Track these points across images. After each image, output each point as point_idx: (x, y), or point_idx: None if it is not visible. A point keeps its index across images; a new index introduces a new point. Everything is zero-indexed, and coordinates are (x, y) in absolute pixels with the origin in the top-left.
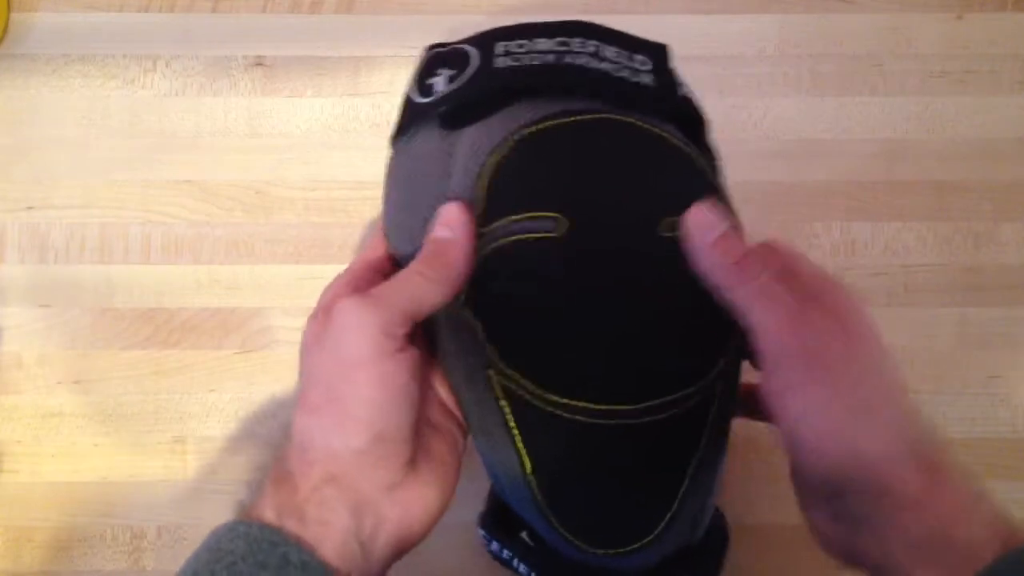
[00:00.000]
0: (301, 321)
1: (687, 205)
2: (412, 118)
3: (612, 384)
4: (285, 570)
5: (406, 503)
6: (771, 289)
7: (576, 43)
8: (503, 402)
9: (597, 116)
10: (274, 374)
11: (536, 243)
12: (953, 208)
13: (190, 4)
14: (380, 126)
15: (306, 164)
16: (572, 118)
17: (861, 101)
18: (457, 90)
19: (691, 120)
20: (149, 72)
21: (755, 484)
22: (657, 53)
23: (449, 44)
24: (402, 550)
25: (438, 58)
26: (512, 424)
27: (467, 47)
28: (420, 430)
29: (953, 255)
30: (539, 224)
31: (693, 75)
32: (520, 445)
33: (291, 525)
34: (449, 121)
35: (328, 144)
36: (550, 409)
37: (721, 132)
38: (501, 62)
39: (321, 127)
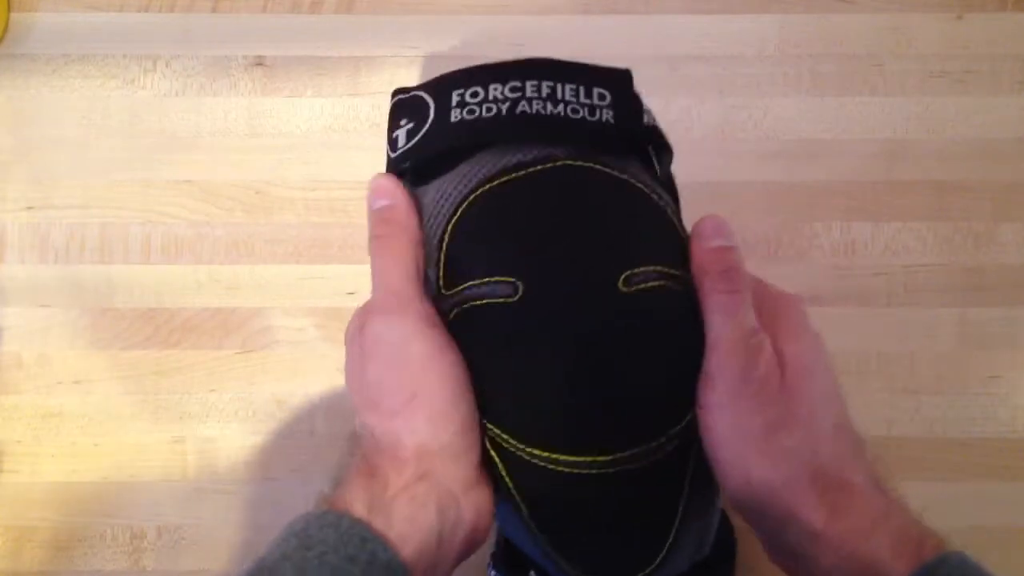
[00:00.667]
0: (301, 321)
1: (648, 256)
2: (391, 170)
3: (585, 438)
4: (372, 567)
5: (478, 504)
6: (732, 305)
7: (530, 87)
8: (492, 452)
9: (554, 165)
10: (274, 374)
11: (494, 308)
12: (953, 208)
13: (190, 4)
14: (380, 126)
15: (306, 164)
16: (527, 170)
17: (861, 101)
18: (414, 146)
19: (657, 148)
20: (149, 72)
21: None
22: (617, 83)
23: (410, 91)
24: (468, 552)
25: (401, 107)
26: (503, 472)
27: (425, 95)
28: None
29: (953, 255)
30: (496, 289)
31: (693, 75)
32: (514, 491)
33: (379, 522)
34: (411, 178)
35: (328, 144)
36: (533, 460)
37: (721, 132)
38: (456, 115)
39: (321, 127)
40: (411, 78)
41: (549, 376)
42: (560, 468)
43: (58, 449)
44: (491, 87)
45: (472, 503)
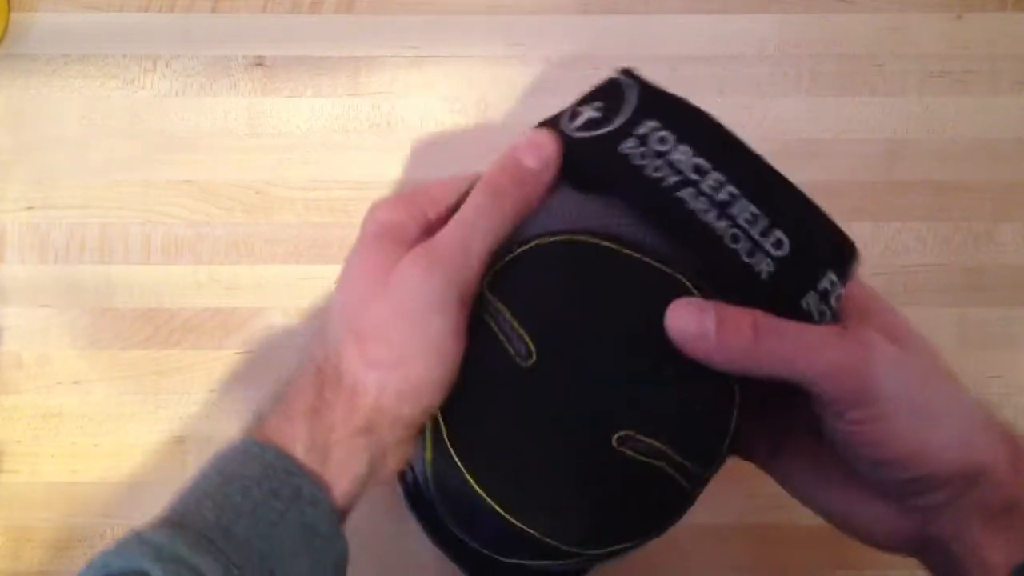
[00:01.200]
0: (302, 322)
1: (657, 422)
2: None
3: (575, 535)
4: (297, 503)
5: (399, 459)
6: (803, 343)
7: (712, 180)
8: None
9: (643, 262)
10: (274, 374)
11: (508, 360)
12: (953, 208)
13: (190, 4)
14: (380, 126)
15: (306, 164)
16: (617, 248)
17: (861, 101)
18: (575, 142)
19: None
20: (149, 72)
21: (751, 483)
22: (808, 238)
23: (630, 78)
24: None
25: (605, 91)
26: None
27: (627, 96)
28: None
29: (953, 255)
30: (515, 342)
31: (693, 75)
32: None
33: (313, 461)
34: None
35: (328, 144)
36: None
37: None
38: (627, 146)
39: (321, 127)
40: (411, 78)
41: (546, 450)
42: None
43: (58, 449)
44: (681, 148)
45: (397, 458)
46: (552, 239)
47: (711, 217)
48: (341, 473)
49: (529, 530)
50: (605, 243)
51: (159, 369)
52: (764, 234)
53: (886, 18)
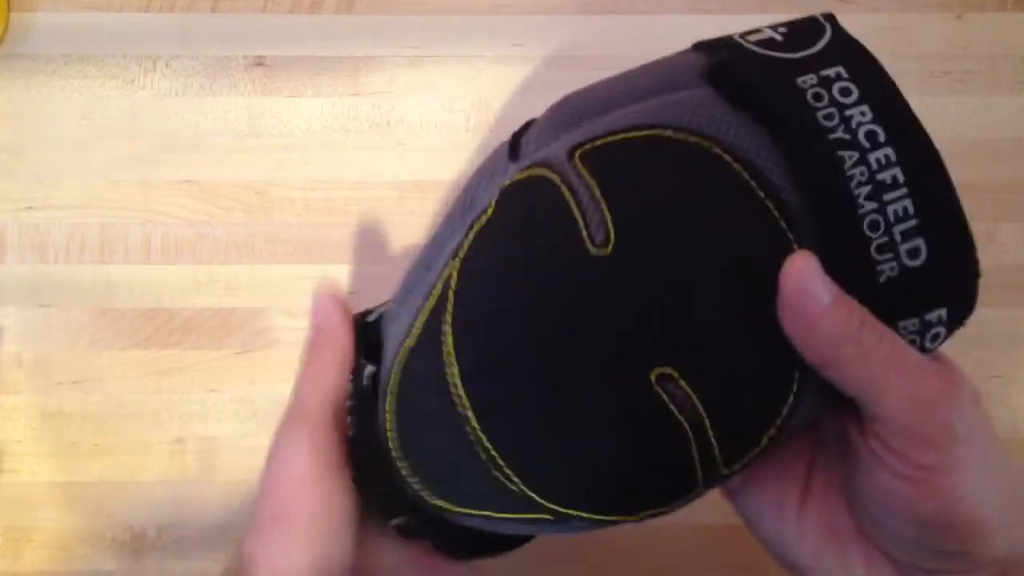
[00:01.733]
0: (301, 321)
1: (703, 362)
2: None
3: (562, 485)
4: None
5: None
6: (894, 357)
7: (882, 154)
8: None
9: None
10: (274, 374)
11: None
12: None
13: (190, 4)
14: (380, 126)
15: (306, 164)
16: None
17: None
18: (746, 52)
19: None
20: (149, 72)
21: None
22: (947, 264)
23: (827, 20)
24: None
25: (795, 23)
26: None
27: (819, 33)
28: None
29: None
30: (594, 225)
31: None
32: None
33: None
34: None
35: (328, 144)
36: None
37: None
38: (808, 84)
39: (321, 127)
40: (411, 78)
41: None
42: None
43: (58, 449)
44: (862, 107)
45: None
46: (674, 134)
47: (862, 192)
48: None
49: (505, 465)
50: (733, 163)
51: (159, 369)
52: (906, 237)
53: (886, 18)
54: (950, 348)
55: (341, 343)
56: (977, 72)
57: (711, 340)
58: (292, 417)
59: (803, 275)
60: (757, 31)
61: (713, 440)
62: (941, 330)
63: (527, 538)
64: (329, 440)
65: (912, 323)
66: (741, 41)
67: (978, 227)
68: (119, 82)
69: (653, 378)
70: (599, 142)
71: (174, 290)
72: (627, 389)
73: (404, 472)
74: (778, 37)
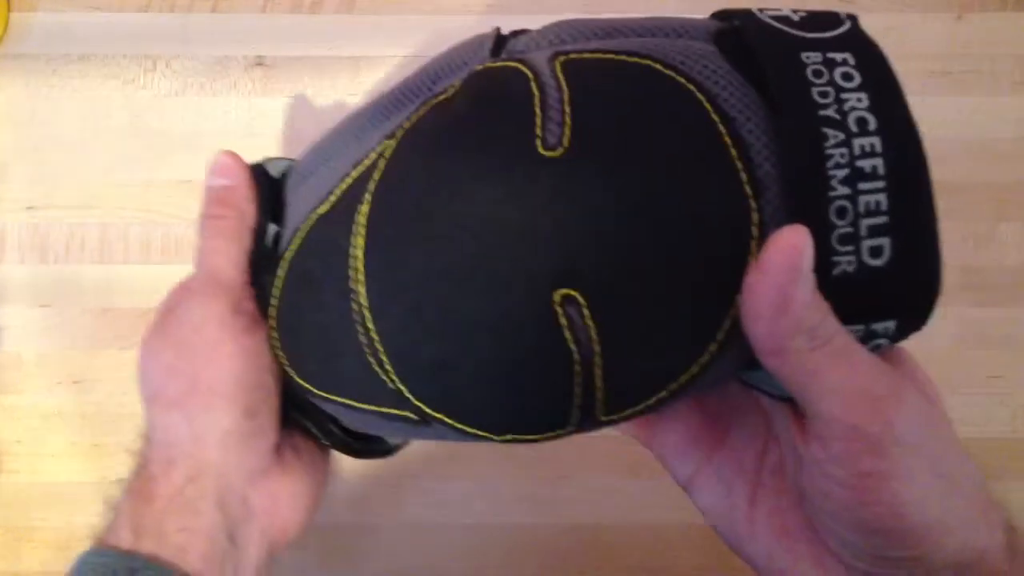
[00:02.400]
0: None
1: (617, 295)
2: None
3: (432, 386)
4: None
5: (274, 493)
6: (848, 354)
7: (867, 142)
8: None
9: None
10: None
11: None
12: (953, 208)
13: (190, 4)
14: None
15: None
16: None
17: None
18: (759, 22)
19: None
20: (149, 72)
21: None
22: (909, 272)
23: (849, 18)
24: (274, 547)
25: (816, 12)
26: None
27: (836, 24)
28: (286, 418)
29: (953, 255)
30: (552, 124)
31: None
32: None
33: (149, 544)
34: None
35: None
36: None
37: None
38: (811, 60)
39: (321, 127)
40: None
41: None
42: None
43: (58, 449)
44: (860, 94)
45: (266, 491)
46: (663, 68)
47: (838, 175)
48: (188, 538)
49: (382, 350)
50: (712, 112)
51: None
52: (872, 232)
53: (886, 18)
54: (950, 348)
55: (249, 206)
56: (977, 72)
57: (632, 280)
58: (199, 288)
59: (798, 251)
60: (776, 9)
61: (599, 382)
62: (884, 342)
63: (394, 448)
64: (245, 302)
65: (857, 329)
66: (757, 12)
67: (978, 227)
68: (119, 82)
69: (557, 298)
70: (586, 55)
71: None
72: (523, 301)
73: (275, 344)
74: (795, 17)
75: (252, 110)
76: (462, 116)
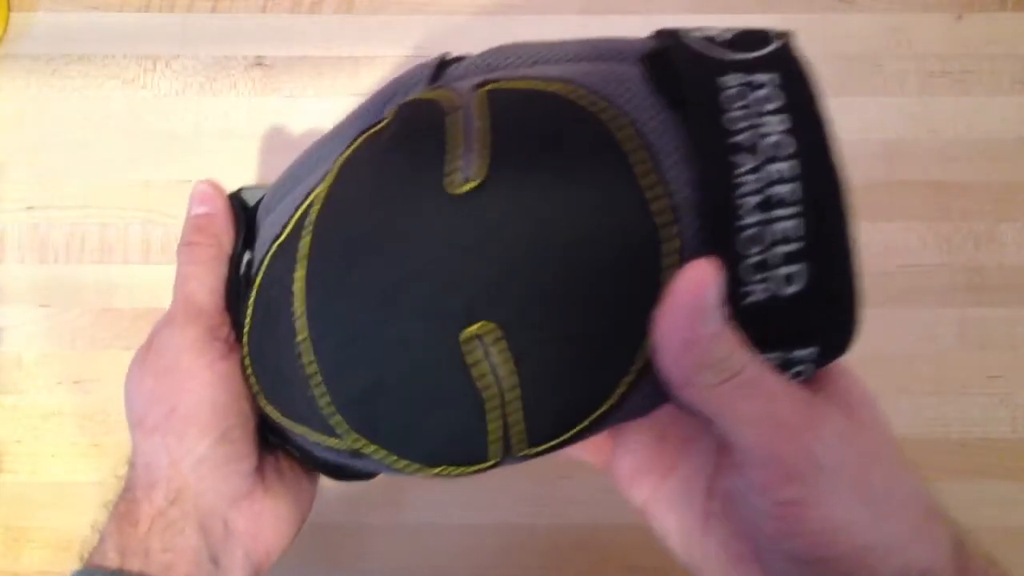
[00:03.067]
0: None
1: (527, 328)
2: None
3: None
4: None
5: (256, 515)
6: (758, 384)
7: (784, 167)
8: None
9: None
10: None
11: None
12: (953, 208)
13: (190, 4)
14: None
15: None
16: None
17: (861, 101)
18: (682, 45)
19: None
20: (149, 72)
21: None
22: (826, 299)
23: (782, 37)
24: (258, 569)
25: (748, 31)
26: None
27: (765, 43)
28: (266, 440)
29: (953, 255)
30: (468, 157)
31: None
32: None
33: (135, 563)
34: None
35: None
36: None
37: None
38: (729, 84)
39: (321, 127)
40: None
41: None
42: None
43: (58, 449)
44: (780, 116)
45: (247, 513)
46: (589, 96)
47: (748, 203)
48: (172, 558)
49: (322, 382)
50: (627, 140)
51: None
52: (787, 260)
53: (886, 18)
54: (950, 348)
55: (227, 234)
56: (977, 72)
57: (543, 313)
58: (177, 317)
59: (704, 287)
60: (707, 28)
61: (517, 415)
62: (807, 367)
63: (368, 474)
64: (221, 329)
65: (774, 357)
66: (686, 33)
67: (978, 227)
68: (119, 82)
69: (466, 335)
70: (508, 84)
71: None
72: (433, 338)
73: (247, 370)
74: (724, 37)
75: (252, 110)
76: (384, 149)
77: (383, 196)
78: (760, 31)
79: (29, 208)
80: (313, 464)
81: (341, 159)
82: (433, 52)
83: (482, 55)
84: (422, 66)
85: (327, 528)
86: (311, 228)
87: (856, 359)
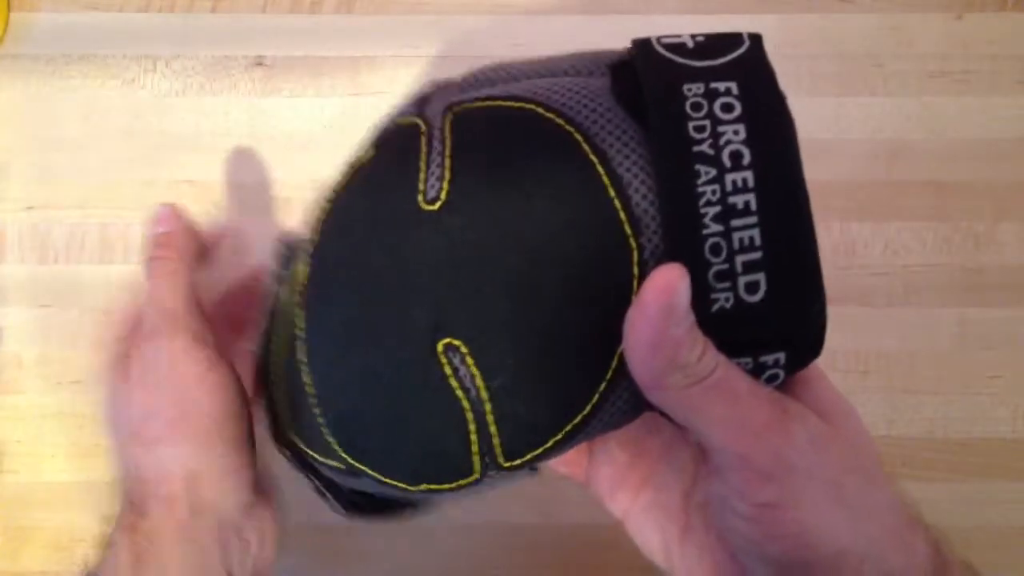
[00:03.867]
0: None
1: (499, 341)
2: None
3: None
4: None
5: (260, 527)
6: (727, 385)
7: (740, 177)
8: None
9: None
10: None
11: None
12: (953, 208)
13: (190, 4)
14: None
15: (306, 164)
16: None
17: (861, 101)
18: (652, 52)
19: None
20: (149, 72)
21: None
22: (787, 305)
23: (752, 39)
24: None
25: (719, 36)
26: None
27: (733, 48)
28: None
29: (953, 255)
30: (433, 179)
31: None
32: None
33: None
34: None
35: (328, 144)
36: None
37: None
38: (692, 93)
39: (321, 127)
40: (411, 78)
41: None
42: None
43: (58, 449)
44: (738, 126)
45: (255, 525)
46: (544, 112)
47: (710, 212)
48: (193, 574)
49: (316, 403)
50: (591, 153)
51: None
52: (747, 268)
53: (886, 18)
54: (950, 348)
55: (187, 249)
56: (977, 72)
57: (509, 326)
58: (157, 329)
59: (672, 290)
60: (675, 36)
61: (493, 427)
62: (779, 372)
63: (403, 506)
64: (204, 334)
65: (745, 362)
66: (653, 42)
67: (978, 227)
68: (119, 82)
69: (440, 347)
70: (474, 104)
71: None
72: (409, 353)
73: (269, 401)
74: (690, 44)
75: (252, 110)
76: (365, 176)
77: (364, 218)
78: (732, 35)
79: (29, 208)
80: (346, 502)
81: (338, 183)
82: (432, 52)
83: (464, 77)
84: (413, 96)
85: (327, 528)
86: (309, 253)
87: (856, 358)
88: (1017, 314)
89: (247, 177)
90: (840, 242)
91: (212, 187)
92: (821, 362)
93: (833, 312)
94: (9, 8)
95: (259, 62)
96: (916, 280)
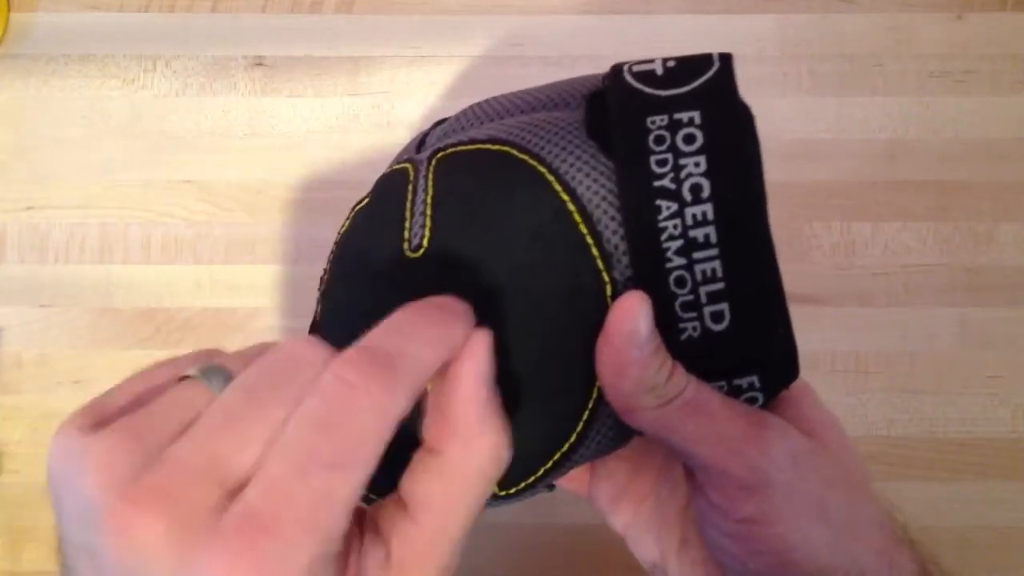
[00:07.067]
0: (301, 322)
1: None
2: None
3: None
4: None
5: None
6: (700, 403)
7: (699, 211)
8: None
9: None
10: None
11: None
12: (953, 208)
13: (190, 4)
14: (380, 126)
15: (306, 164)
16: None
17: (861, 101)
18: (621, 83)
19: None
20: (149, 72)
21: None
22: (751, 332)
23: (722, 61)
24: None
25: (690, 60)
26: None
27: (700, 74)
28: None
29: (953, 255)
30: (416, 227)
31: None
32: None
33: None
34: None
35: (328, 144)
36: None
37: None
38: (655, 126)
39: (321, 127)
40: (411, 78)
41: None
42: None
43: None
44: (698, 157)
45: None
46: (518, 154)
47: (673, 246)
48: None
49: None
50: (563, 192)
51: None
52: (711, 299)
53: (886, 18)
54: (950, 348)
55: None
56: (977, 72)
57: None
58: (259, 538)
59: (633, 316)
60: (647, 62)
61: None
62: (756, 395)
63: None
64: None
65: (720, 385)
66: (625, 71)
67: (978, 227)
68: (119, 82)
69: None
70: (458, 148)
71: (174, 290)
72: None
73: None
74: (660, 71)
75: (252, 110)
76: (362, 219)
77: (359, 262)
78: (702, 58)
79: (29, 208)
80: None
81: (342, 229)
82: (432, 52)
83: (455, 117)
84: (413, 140)
85: None
86: (320, 292)
87: (856, 358)
88: (1017, 314)
89: (247, 177)
90: (840, 242)
91: (212, 187)
92: (821, 363)
93: (833, 312)
94: (9, 8)
95: (259, 62)
96: (916, 280)
